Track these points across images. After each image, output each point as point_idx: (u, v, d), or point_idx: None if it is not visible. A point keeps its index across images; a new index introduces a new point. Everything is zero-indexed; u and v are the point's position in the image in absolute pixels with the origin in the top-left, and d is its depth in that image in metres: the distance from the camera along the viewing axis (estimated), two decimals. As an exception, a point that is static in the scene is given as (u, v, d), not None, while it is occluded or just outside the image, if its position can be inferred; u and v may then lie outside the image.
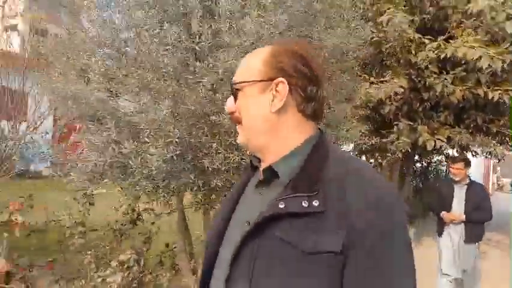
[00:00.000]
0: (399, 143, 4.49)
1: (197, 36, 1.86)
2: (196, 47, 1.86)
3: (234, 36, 1.80)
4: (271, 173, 0.85)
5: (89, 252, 2.71)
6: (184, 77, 1.93)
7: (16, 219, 2.50)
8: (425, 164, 9.60)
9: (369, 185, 0.77)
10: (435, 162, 10.43)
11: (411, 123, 5.05)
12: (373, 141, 3.99)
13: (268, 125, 0.86)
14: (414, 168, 8.65)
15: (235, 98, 0.90)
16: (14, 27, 19.06)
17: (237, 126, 0.92)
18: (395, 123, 4.87)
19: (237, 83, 0.89)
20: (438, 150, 7.41)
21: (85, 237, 2.80)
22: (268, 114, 0.85)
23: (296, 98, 0.86)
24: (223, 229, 0.91)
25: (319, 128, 0.91)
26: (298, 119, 0.87)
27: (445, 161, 10.15)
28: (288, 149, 0.86)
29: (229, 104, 0.92)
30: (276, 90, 0.85)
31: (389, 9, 4.52)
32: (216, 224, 0.95)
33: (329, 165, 0.81)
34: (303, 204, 0.75)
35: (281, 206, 0.77)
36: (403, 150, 4.76)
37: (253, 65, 0.88)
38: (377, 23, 4.23)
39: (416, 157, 8.43)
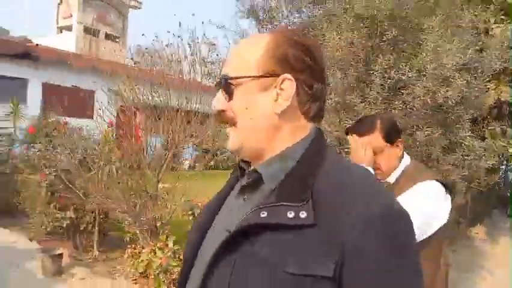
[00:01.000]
0: (501, 145, 4.76)
1: (407, 70, 2.26)
2: (403, 77, 2.26)
3: (436, 68, 2.18)
4: (256, 176, 0.74)
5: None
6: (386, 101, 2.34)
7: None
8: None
9: (371, 198, 0.64)
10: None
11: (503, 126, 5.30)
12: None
13: (270, 127, 0.74)
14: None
15: (229, 95, 0.75)
16: (68, 28, 19.99)
17: (227, 129, 0.78)
18: (491, 127, 5.13)
19: (234, 78, 0.74)
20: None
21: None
22: (271, 115, 0.73)
23: (301, 97, 0.74)
24: (200, 240, 0.80)
25: (318, 128, 0.78)
26: (299, 120, 0.75)
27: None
28: (280, 149, 0.74)
29: (220, 101, 0.77)
30: (280, 88, 0.73)
31: (488, 19, 4.78)
32: (192, 235, 0.83)
33: (324, 171, 0.69)
34: (289, 215, 0.64)
35: (263, 215, 0.66)
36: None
37: (252, 56, 0.74)
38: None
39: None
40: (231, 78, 0.74)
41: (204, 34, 3.78)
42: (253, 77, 0.72)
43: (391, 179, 1.57)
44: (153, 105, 4.77)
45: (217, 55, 3.66)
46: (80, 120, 12.07)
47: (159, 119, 5.74)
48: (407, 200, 1.37)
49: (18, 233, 5.12)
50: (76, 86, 13.61)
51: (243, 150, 0.76)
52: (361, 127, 1.62)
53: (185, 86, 3.97)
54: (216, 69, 3.60)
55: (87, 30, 19.64)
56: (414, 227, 1.44)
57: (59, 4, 20.65)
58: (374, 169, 1.58)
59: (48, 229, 4.55)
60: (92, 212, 4.36)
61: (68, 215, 4.26)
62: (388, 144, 1.56)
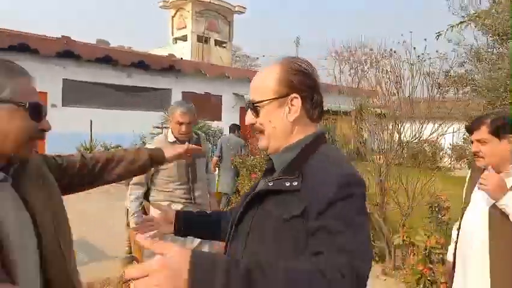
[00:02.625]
0: None
1: None
2: None
3: None
4: (272, 164, 1.11)
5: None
6: None
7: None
8: None
9: (333, 171, 0.94)
10: None
11: None
12: None
13: (287, 131, 1.06)
14: None
15: (256, 113, 1.07)
16: (183, 38, 21.99)
17: (257, 135, 1.11)
18: None
19: (258, 102, 1.06)
20: None
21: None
22: (287, 123, 1.05)
23: (305, 107, 1.05)
24: (242, 204, 1.12)
25: (321, 128, 1.10)
26: (306, 122, 1.07)
27: None
28: (291, 143, 1.06)
29: (250, 118, 1.10)
30: (291, 104, 1.04)
31: None
32: (239, 202, 1.20)
33: (314, 157, 1.00)
34: (286, 184, 0.97)
35: (270, 184, 1.00)
36: None
37: (268, 85, 1.05)
38: None
39: None
40: (257, 102, 1.07)
41: (431, 50, 4.21)
42: (272, 99, 1.05)
43: None
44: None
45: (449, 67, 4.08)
46: (212, 122, 13.55)
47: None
48: None
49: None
50: (207, 93, 15.13)
51: (269, 148, 1.09)
52: (471, 125, 1.85)
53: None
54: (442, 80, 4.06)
55: (199, 38, 21.46)
56: None
57: (172, 17, 22.83)
58: (478, 157, 1.81)
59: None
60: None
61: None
62: (495, 138, 1.74)
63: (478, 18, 4.16)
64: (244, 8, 23.06)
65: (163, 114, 12.45)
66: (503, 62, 3.53)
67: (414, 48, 4.27)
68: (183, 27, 21.97)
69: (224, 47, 22.96)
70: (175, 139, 2.88)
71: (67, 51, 11.23)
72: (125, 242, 4.55)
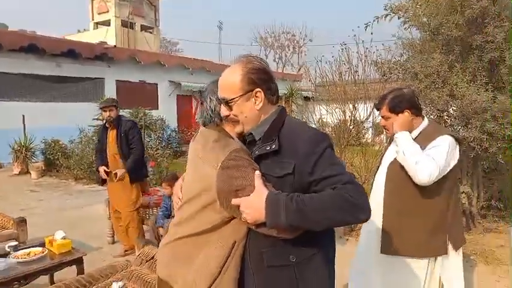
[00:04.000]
0: None
1: None
2: None
3: None
4: (252, 137, 1.35)
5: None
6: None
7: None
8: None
9: (303, 132, 1.26)
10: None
11: None
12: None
13: (255, 116, 1.33)
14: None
15: (229, 108, 1.32)
16: (105, 23, 20.76)
17: (232, 123, 1.37)
18: None
19: (230, 99, 1.30)
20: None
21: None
22: (255, 111, 1.32)
23: (267, 96, 1.32)
24: None
25: (282, 106, 1.39)
26: (268, 106, 1.34)
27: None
28: (261, 120, 1.34)
29: (224, 111, 1.35)
30: (256, 96, 1.30)
31: None
32: None
33: (284, 125, 1.30)
34: (267, 148, 1.25)
35: (256, 151, 1.29)
36: None
37: (235, 83, 1.29)
38: None
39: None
40: (229, 100, 1.31)
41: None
42: (240, 96, 1.30)
43: (413, 135, 2.05)
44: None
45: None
46: (150, 111, 13.27)
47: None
48: (436, 149, 1.93)
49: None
50: (142, 81, 14.73)
51: (245, 130, 1.36)
52: (377, 104, 2.17)
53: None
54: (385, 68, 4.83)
55: (124, 23, 20.44)
56: (441, 164, 1.93)
57: (92, 0, 21.31)
58: (385, 129, 2.15)
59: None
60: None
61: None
62: (393, 114, 2.06)
63: (399, 12, 4.88)
64: (170, -8, 22.38)
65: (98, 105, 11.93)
66: (435, 53, 4.34)
67: (363, 41, 4.97)
68: (105, 12, 20.68)
69: (151, 32, 22.22)
70: None
71: (-16, 40, 10.15)
72: (107, 231, 4.70)
